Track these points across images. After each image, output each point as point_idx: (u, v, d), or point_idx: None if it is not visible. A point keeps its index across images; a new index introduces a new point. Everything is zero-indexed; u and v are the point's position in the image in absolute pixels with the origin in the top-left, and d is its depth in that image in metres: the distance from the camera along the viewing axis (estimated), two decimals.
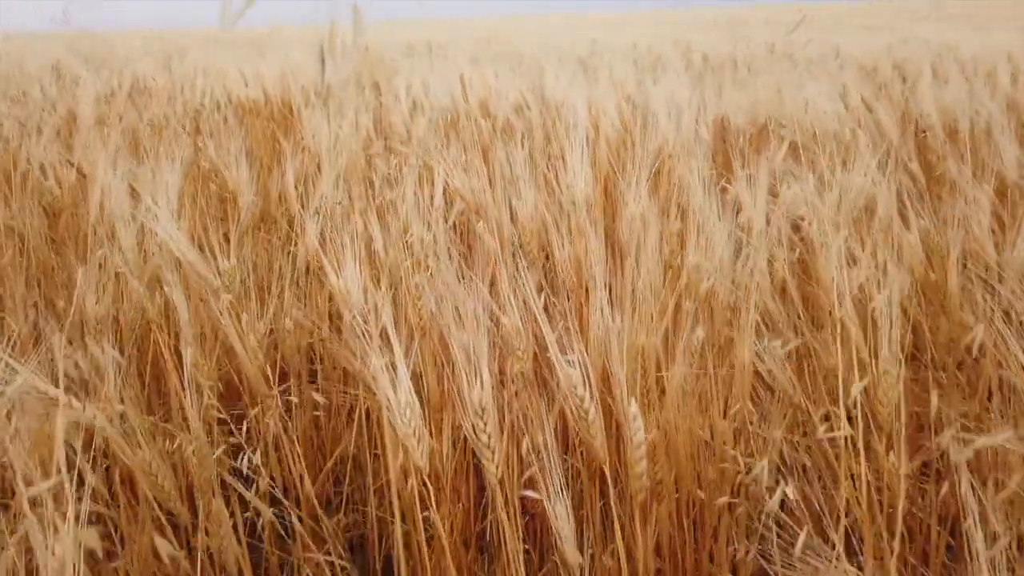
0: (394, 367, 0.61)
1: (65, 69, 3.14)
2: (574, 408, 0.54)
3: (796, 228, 1.26)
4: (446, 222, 1.43)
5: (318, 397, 0.91)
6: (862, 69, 2.59)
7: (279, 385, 1.28)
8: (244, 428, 1.11)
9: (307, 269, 1.28)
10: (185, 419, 0.66)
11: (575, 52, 3.55)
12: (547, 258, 1.40)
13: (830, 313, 0.84)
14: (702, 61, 2.85)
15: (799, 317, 0.97)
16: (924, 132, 1.65)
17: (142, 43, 6.08)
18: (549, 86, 1.98)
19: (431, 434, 0.86)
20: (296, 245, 1.54)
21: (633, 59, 3.04)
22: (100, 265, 1.15)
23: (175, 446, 0.66)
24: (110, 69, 3.16)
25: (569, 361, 0.54)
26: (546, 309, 1.09)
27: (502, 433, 0.74)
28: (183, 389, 1.09)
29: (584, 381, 0.55)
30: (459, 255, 1.41)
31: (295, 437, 1.05)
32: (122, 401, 0.73)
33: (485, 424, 0.52)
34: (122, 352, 1.16)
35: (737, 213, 1.34)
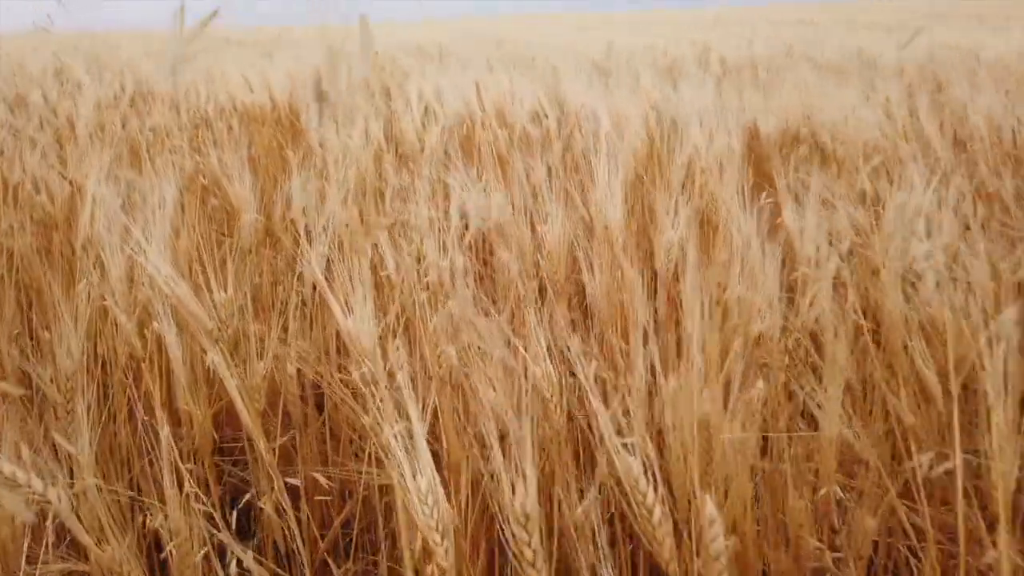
0: (411, 439, 0.50)
1: (67, 73, 3.04)
2: (635, 506, 0.43)
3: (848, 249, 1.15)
4: (461, 241, 1.32)
5: (323, 480, 0.80)
6: (885, 71, 2.47)
7: (282, 425, 1.17)
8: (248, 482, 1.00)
9: (313, 288, 1.17)
10: (164, 502, 0.56)
11: (588, 54, 3.44)
12: (568, 277, 1.29)
13: (905, 359, 0.73)
14: (720, 64, 2.73)
15: (865, 356, 0.86)
16: (965, 143, 1.53)
17: (143, 44, 5.96)
18: (567, 92, 1.87)
19: (450, 497, 0.75)
20: (301, 265, 1.43)
21: (650, 62, 2.93)
22: (88, 293, 1.05)
23: (156, 526, 0.56)
24: (112, 71, 3.06)
25: (627, 446, 0.44)
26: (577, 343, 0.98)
27: (551, 546, 0.63)
28: (168, 471, 0.98)
29: (645, 469, 0.45)
30: (476, 276, 1.30)
31: (303, 517, 0.94)
32: (98, 474, 0.63)
33: (530, 537, 0.41)
34: (107, 393, 1.05)
35: (780, 237, 1.23)
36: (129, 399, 1.31)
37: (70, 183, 1.53)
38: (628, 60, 2.96)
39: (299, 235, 1.54)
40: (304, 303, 1.42)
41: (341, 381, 1.14)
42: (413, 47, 4.64)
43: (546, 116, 1.81)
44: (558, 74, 2.58)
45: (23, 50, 4.97)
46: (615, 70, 2.72)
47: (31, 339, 1.41)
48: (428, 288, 0.95)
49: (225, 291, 0.91)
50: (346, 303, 0.78)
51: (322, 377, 1.00)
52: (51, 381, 1.02)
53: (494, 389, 0.65)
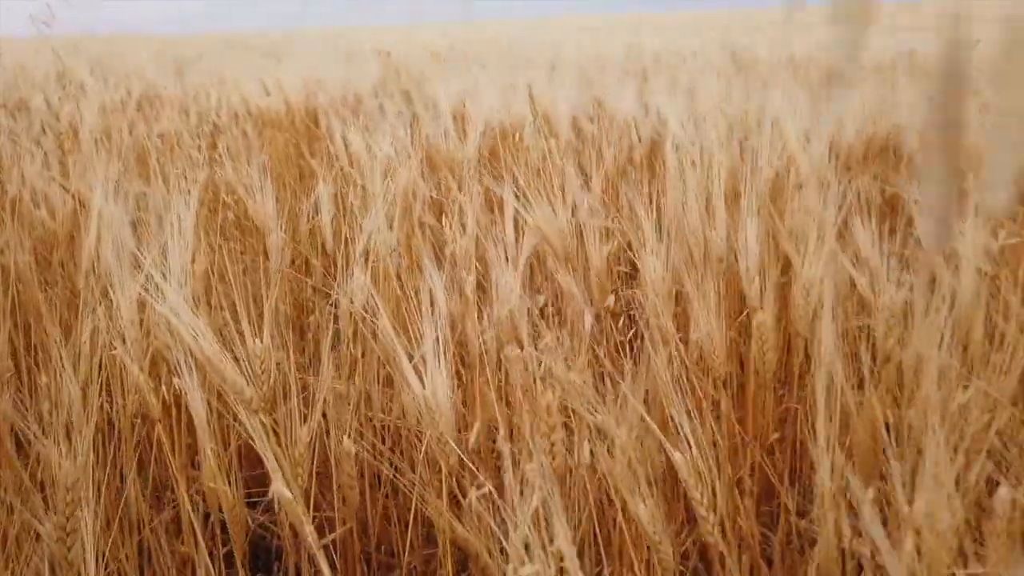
0: None
1: (70, 76, 2.86)
2: None
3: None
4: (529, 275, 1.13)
5: None
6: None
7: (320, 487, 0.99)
8: None
9: (354, 332, 0.99)
10: None
11: (608, 57, 3.26)
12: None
13: None
14: (761, 65, 2.55)
15: None
16: None
17: (145, 46, 5.76)
18: (609, 96, 1.69)
19: None
20: (337, 292, 1.25)
21: (679, 62, 2.75)
22: (92, 336, 0.87)
23: None
24: (117, 75, 2.87)
25: None
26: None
27: None
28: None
29: None
30: (549, 312, 1.12)
31: None
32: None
33: None
34: (116, 456, 0.88)
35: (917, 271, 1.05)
36: (139, 444, 1.13)
37: (73, 196, 1.35)
38: (655, 62, 2.78)
39: (328, 253, 1.36)
40: (336, 326, 1.24)
41: (393, 453, 0.96)
42: (431, 52, 4.45)
43: (591, 121, 1.63)
44: (587, 76, 2.40)
45: (25, 53, 4.78)
46: (652, 73, 2.53)
47: (28, 376, 1.22)
48: (501, 338, 0.77)
49: (260, 338, 0.73)
50: (402, 336, 0.60)
51: (392, 467, 0.82)
52: (45, 434, 0.85)
53: (643, 501, 0.47)
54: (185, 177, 1.49)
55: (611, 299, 0.77)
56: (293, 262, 1.40)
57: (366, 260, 1.00)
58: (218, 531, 0.97)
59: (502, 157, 1.50)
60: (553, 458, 0.53)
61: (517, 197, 1.11)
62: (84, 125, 1.84)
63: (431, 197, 1.53)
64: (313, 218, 1.37)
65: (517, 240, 1.11)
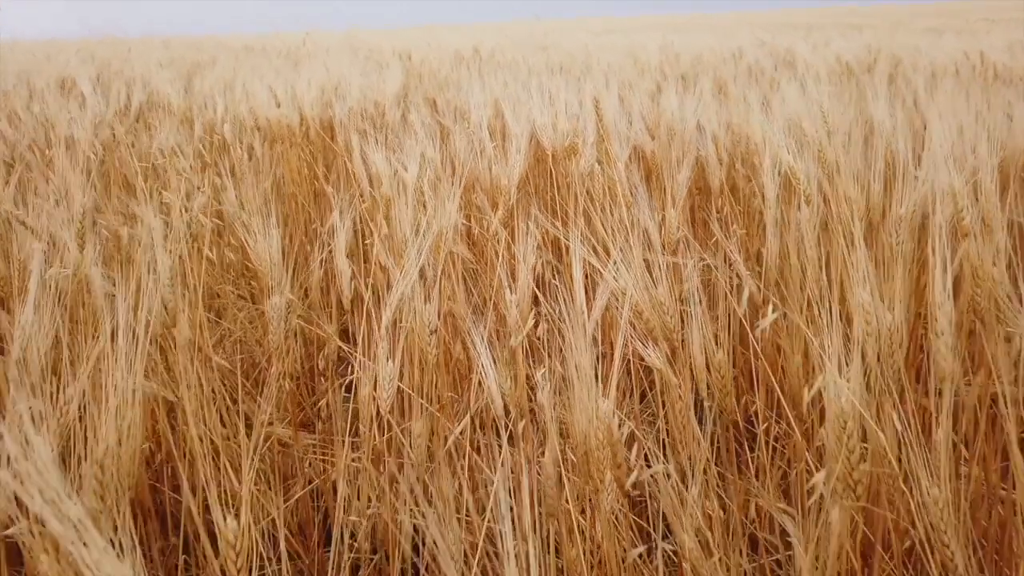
0: None
1: (70, 83, 2.57)
2: None
3: None
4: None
5: None
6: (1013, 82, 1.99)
7: None
8: None
9: (376, 426, 0.71)
10: None
11: (642, 59, 2.95)
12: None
13: None
14: (807, 68, 2.24)
15: None
16: None
17: (160, 49, 5.44)
18: (670, 108, 1.38)
19: None
20: (355, 380, 0.96)
21: (719, 63, 2.44)
22: None
23: None
24: (123, 80, 2.58)
25: None
26: None
27: None
28: None
29: None
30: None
31: None
32: None
33: None
34: None
35: None
36: None
37: (37, 235, 1.06)
38: (697, 63, 2.47)
39: (343, 308, 1.07)
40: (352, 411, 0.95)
41: None
42: (455, 54, 4.15)
43: (651, 136, 1.33)
44: (628, 81, 2.10)
45: (35, 57, 4.50)
46: (696, 76, 2.23)
47: None
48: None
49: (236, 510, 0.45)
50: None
51: None
52: None
53: None
54: (181, 207, 1.20)
55: (827, 479, 0.48)
56: (307, 316, 1.11)
57: (395, 336, 0.72)
58: None
59: (553, 183, 1.21)
60: None
61: (591, 249, 0.83)
62: (69, 141, 1.55)
63: (465, 227, 1.24)
64: (326, 260, 1.08)
65: (588, 305, 0.82)
